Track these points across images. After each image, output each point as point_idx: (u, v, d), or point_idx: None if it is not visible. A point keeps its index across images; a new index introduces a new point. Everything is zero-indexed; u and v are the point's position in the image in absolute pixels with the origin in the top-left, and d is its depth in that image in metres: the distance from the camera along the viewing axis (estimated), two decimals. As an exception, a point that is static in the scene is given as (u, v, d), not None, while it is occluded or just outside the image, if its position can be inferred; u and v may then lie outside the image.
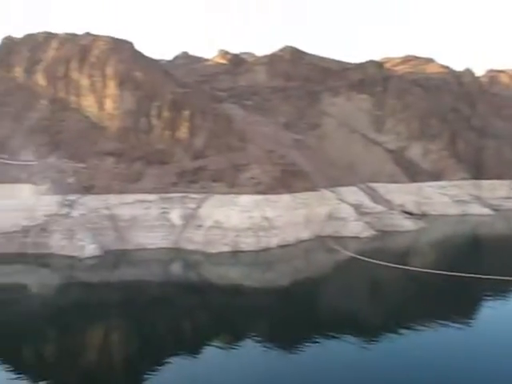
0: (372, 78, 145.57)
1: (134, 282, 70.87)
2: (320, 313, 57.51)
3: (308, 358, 43.43)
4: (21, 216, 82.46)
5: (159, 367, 41.49)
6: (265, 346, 45.91)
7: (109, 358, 46.27)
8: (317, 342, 46.75)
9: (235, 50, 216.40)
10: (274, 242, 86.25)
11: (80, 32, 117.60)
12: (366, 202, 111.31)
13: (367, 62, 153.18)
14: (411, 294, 66.02)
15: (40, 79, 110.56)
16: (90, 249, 79.26)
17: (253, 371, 41.02)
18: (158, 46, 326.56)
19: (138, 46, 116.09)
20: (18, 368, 41.20)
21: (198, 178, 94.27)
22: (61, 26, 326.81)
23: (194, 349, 45.26)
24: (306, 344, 46.28)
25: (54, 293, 66.66)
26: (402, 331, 49.65)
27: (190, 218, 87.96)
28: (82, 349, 47.06)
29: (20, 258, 78.19)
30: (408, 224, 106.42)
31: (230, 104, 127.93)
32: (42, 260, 78.06)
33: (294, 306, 60.05)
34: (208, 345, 46.78)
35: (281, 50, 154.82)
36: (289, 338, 48.43)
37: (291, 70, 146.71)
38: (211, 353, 44.86)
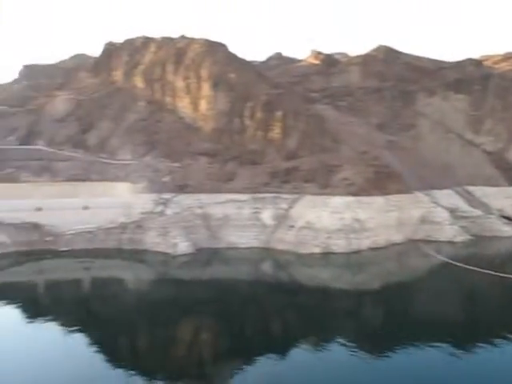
0: (470, 77, 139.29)
1: (225, 280, 71.41)
2: (411, 318, 55.09)
3: (395, 365, 41.71)
4: (118, 213, 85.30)
5: (247, 365, 41.27)
6: (352, 350, 44.46)
7: (198, 353, 46.59)
8: (405, 349, 44.79)
9: (328, 50, 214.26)
10: (365, 244, 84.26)
11: (176, 35, 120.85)
12: (462, 205, 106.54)
13: (465, 61, 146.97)
14: (508, 303, 62.15)
15: (138, 82, 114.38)
16: (183, 246, 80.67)
17: (338, 375, 39.76)
18: (252, 48, 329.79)
19: (231, 48, 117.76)
20: (115, 358, 42.34)
21: (290, 178, 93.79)
22: (158, 30, 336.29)
23: (281, 349, 44.55)
24: (394, 350, 44.50)
25: (148, 288, 68.53)
26: (496, 341, 46.60)
27: (281, 219, 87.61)
28: (173, 343, 47.77)
29: (117, 253, 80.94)
30: (507, 229, 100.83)
31: (322, 105, 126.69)
32: (138, 256, 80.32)
33: (384, 310, 58.29)
34: (296, 346, 46.07)
35: (374, 50, 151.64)
36: (377, 343, 46.81)
37: (385, 70, 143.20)
38: (298, 354, 44.03)
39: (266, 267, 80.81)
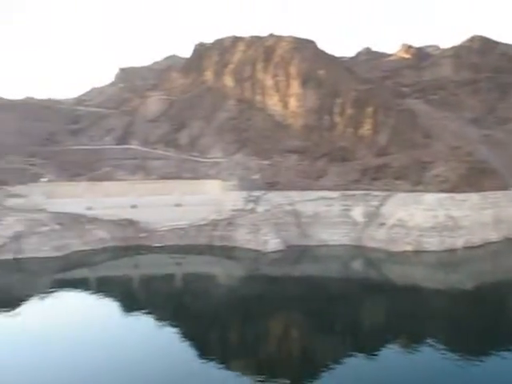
0: None
1: (315, 278, 71.37)
2: (508, 321, 52.71)
3: (490, 371, 39.74)
4: (210, 210, 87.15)
5: (335, 363, 41.03)
6: (444, 353, 42.97)
7: (287, 349, 46.91)
8: (500, 354, 42.43)
9: (419, 43, 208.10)
10: (459, 242, 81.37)
11: (264, 34, 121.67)
12: None
13: None
14: None
15: (228, 81, 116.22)
16: (273, 243, 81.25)
17: (428, 379, 38.53)
18: (341, 44, 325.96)
19: (320, 45, 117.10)
20: (206, 354, 43.06)
21: (381, 175, 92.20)
22: (246, 29, 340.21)
23: (371, 349, 43.90)
24: (489, 354, 42.55)
25: (239, 284, 69.73)
26: None
27: (372, 216, 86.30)
28: (263, 339, 48.28)
29: (208, 250, 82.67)
30: None
31: (413, 99, 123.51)
32: (228, 252, 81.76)
33: (478, 311, 56.20)
34: (386, 346, 45.25)
35: (469, 41, 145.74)
36: (468, 346, 45.22)
37: (480, 62, 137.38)
38: (388, 355, 43.24)
39: (357, 265, 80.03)
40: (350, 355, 42.88)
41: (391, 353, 43.84)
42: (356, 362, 41.27)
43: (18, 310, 54.46)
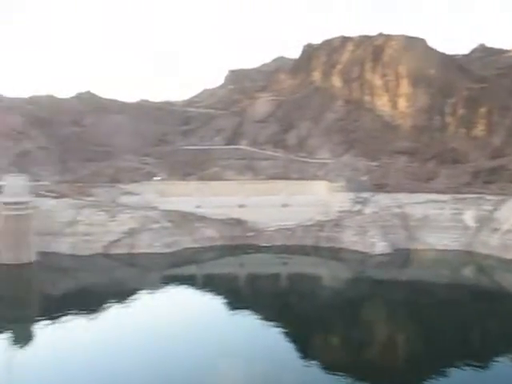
0: None
1: (421, 283, 69.83)
2: None
3: None
4: (316, 211, 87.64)
5: (442, 373, 39.88)
6: None
7: (392, 355, 45.97)
8: None
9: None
10: None
11: (373, 33, 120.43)
12: None
13: None
14: None
15: (336, 81, 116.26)
16: (380, 246, 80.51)
17: None
18: (454, 41, 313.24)
19: (430, 43, 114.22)
20: (308, 354, 43.39)
21: (495, 178, 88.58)
22: (355, 29, 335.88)
23: (480, 358, 42.51)
24: None
25: (344, 286, 69.75)
26: None
27: (484, 221, 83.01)
28: (366, 342, 47.91)
29: (314, 251, 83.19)
30: None
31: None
32: (334, 254, 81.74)
33: None
34: (496, 356, 43.44)
35: None
36: None
37: None
38: (499, 364, 41.62)
39: (467, 271, 77.61)
40: (459, 364, 41.87)
41: (504, 363, 42.31)
42: (465, 373, 40.20)
43: (129, 302, 57.40)
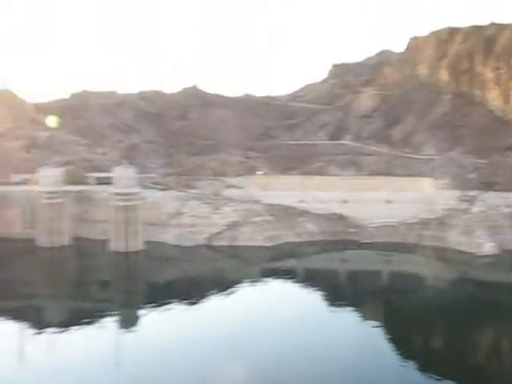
0: None
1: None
2: None
3: None
4: (420, 208, 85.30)
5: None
6: None
7: (497, 360, 44.41)
8: None
9: None
10: None
11: (484, 23, 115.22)
12: None
13: None
14: None
15: (443, 75, 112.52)
16: (487, 247, 77.24)
17: None
18: None
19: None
20: (407, 355, 42.59)
21: None
22: (465, 19, 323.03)
23: None
24: None
25: (447, 286, 67.45)
26: None
27: None
28: (469, 346, 46.59)
29: (416, 249, 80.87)
30: None
31: None
32: (437, 253, 79.13)
33: None
34: None
35: None
36: None
37: None
38: None
39: None
40: None
41: None
42: None
43: (230, 293, 59.10)
